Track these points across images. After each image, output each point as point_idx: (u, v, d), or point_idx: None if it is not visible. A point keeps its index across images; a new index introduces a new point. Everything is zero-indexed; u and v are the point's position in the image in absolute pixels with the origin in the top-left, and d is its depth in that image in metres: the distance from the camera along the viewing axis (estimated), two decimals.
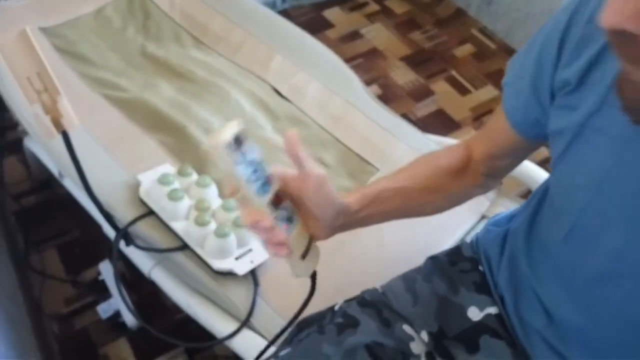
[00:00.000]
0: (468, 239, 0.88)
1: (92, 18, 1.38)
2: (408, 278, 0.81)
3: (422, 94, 1.95)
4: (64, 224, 1.49)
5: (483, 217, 1.09)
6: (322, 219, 0.62)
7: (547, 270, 0.67)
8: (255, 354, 0.85)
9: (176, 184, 1.01)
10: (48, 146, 1.11)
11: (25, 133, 1.33)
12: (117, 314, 1.24)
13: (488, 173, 0.75)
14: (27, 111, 1.13)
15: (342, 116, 1.24)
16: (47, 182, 1.52)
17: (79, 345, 1.31)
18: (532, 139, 0.67)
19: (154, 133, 1.15)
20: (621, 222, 0.54)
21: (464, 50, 2.13)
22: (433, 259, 0.84)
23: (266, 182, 0.57)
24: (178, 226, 0.98)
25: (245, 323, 0.91)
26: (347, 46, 2.10)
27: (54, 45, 1.30)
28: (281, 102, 1.26)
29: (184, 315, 1.00)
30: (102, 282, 1.26)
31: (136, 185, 1.03)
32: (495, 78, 2.02)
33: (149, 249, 1.01)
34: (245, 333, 0.91)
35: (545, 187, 0.71)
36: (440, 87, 1.99)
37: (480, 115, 1.89)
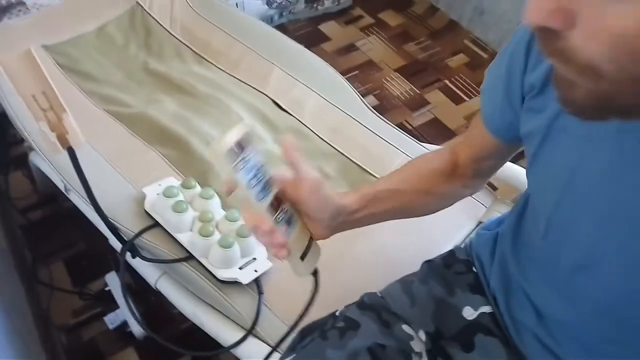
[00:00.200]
0: (462, 244, 0.91)
1: (95, 36, 1.41)
2: (405, 282, 0.84)
3: (417, 103, 1.99)
4: (70, 236, 1.52)
5: (480, 223, 1.12)
6: (321, 220, 0.65)
7: (532, 268, 0.70)
8: None
9: (180, 197, 1.03)
10: (54, 161, 1.14)
11: (30, 149, 1.35)
12: (124, 324, 1.26)
13: (474, 174, 0.78)
14: (32, 128, 1.16)
15: (340, 127, 1.27)
16: (52, 196, 1.55)
17: (87, 356, 1.33)
18: (509, 141, 0.70)
19: (158, 147, 1.18)
20: (589, 216, 0.56)
21: (458, 60, 2.17)
22: (429, 263, 0.86)
23: (266, 186, 0.59)
24: (183, 237, 1.00)
25: (251, 331, 0.93)
26: (344, 59, 2.14)
27: (57, 62, 1.33)
28: (281, 114, 1.29)
29: (190, 324, 1.01)
30: (109, 293, 1.28)
31: (141, 198, 1.06)
32: None
33: (154, 260, 1.03)
34: (251, 341, 0.93)
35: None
36: (435, 96, 2.02)
37: None
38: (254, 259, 0.99)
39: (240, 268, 0.97)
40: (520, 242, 0.73)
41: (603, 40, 0.35)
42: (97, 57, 1.37)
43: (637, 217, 0.51)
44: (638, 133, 0.49)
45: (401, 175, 0.78)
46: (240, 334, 0.93)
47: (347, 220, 0.69)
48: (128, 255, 1.03)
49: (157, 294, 1.06)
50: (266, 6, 2.14)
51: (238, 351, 0.93)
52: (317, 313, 0.75)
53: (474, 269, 0.83)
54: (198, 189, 1.07)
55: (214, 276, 0.97)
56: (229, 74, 1.37)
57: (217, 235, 0.98)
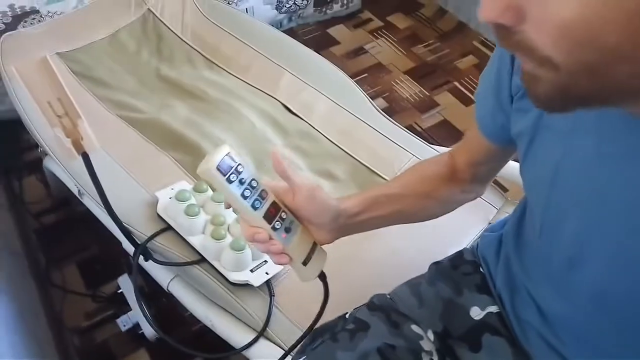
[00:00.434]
0: (469, 245, 0.92)
1: (107, 43, 1.43)
2: (413, 283, 0.85)
3: (427, 105, 1.99)
4: (83, 240, 1.53)
5: (490, 224, 1.12)
6: (322, 224, 0.67)
7: (533, 267, 0.71)
8: None
9: (192, 200, 1.04)
10: (68, 166, 1.16)
11: (44, 154, 1.37)
12: (137, 326, 1.27)
13: (472, 179, 0.79)
14: (47, 133, 1.17)
15: (350, 130, 1.28)
16: (66, 201, 1.57)
17: (100, 358, 1.34)
18: (503, 144, 0.71)
19: (170, 151, 1.19)
20: (575, 211, 0.57)
21: (467, 62, 2.17)
22: (437, 265, 0.87)
23: (260, 196, 0.62)
24: (195, 240, 1.02)
25: (262, 333, 0.94)
26: (353, 62, 2.14)
27: (71, 69, 1.35)
28: (291, 118, 1.30)
29: (202, 326, 1.02)
30: (122, 295, 1.29)
31: (154, 202, 1.07)
32: None
33: (167, 263, 1.04)
34: (262, 343, 0.94)
35: None
36: (445, 98, 2.02)
37: None
38: (265, 261, 1.00)
39: (252, 270, 0.98)
40: (521, 242, 0.73)
41: (550, 32, 0.37)
42: (110, 64, 1.39)
43: (621, 208, 0.52)
44: (613, 127, 0.50)
45: (402, 180, 0.79)
46: (251, 336, 0.94)
47: (348, 223, 0.70)
48: (141, 258, 1.04)
49: (169, 297, 1.07)
50: (275, 11, 2.16)
51: (249, 353, 0.94)
52: (327, 315, 0.76)
53: (481, 269, 0.83)
54: (210, 192, 1.08)
55: (226, 279, 0.98)
56: (239, 78, 1.38)
57: (229, 238, 0.99)
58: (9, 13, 1.58)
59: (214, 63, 1.42)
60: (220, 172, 0.59)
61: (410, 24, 2.34)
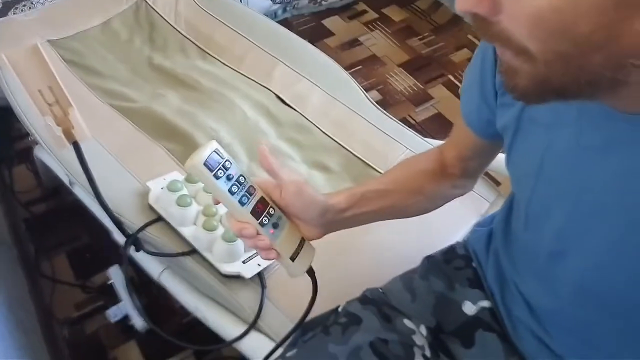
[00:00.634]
0: (462, 239, 0.92)
1: (100, 30, 1.42)
2: (405, 277, 0.84)
3: (421, 98, 1.99)
4: (73, 230, 1.52)
5: (482, 217, 1.12)
6: (309, 220, 0.67)
7: (520, 261, 0.71)
8: (263, 355, 0.87)
9: (184, 191, 1.04)
10: (58, 155, 1.14)
11: (35, 143, 1.36)
12: (126, 318, 1.26)
13: (462, 174, 0.80)
14: (37, 122, 1.16)
15: (344, 122, 1.27)
16: (56, 190, 1.55)
17: (89, 349, 1.33)
18: (489, 138, 0.72)
19: (162, 141, 1.18)
20: (559, 202, 0.58)
21: (461, 55, 2.16)
22: (429, 258, 0.87)
23: (248, 192, 0.62)
24: (186, 231, 1.01)
25: (253, 325, 0.94)
26: (347, 53, 2.13)
27: (63, 57, 1.33)
28: (285, 109, 1.29)
29: (192, 317, 1.02)
30: (112, 286, 1.28)
31: (145, 192, 1.06)
32: None
33: (158, 254, 1.04)
34: (253, 335, 0.94)
35: None
36: (439, 91, 2.02)
37: None
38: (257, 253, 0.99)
39: (244, 262, 0.98)
40: (509, 236, 0.74)
41: (525, 22, 0.38)
42: (102, 52, 1.37)
43: (603, 200, 0.52)
44: (593, 119, 0.51)
45: (391, 176, 0.79)
46: (242, 328, 0.94)
47: (336, 219, 0.70)
48: (132, 249, 1.03)
49: (159, 288, 1.07)
50: (270, 1, 2.14)
51: (240, 345, 0.94)
52: (319, 307, 0.76)
53: (473, 264, 0.83)
54: (201, 182, 1.07)
55: (217, 270, 0.97)
56: (232, 69, 1.37)
57: (220, 229, 0.99)
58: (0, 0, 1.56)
59: (207, 53, 1.41)
60: (208, 167, 0.59)
61: (405, 16, 2.33)
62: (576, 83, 0.40)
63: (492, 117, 0.66)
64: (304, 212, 0.66)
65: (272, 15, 2.20)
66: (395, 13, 2.34)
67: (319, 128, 1.25)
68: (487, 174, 0.96)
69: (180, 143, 1.17)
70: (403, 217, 0.80)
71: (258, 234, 0.63)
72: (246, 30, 1.45)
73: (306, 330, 0.80)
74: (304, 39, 1.47)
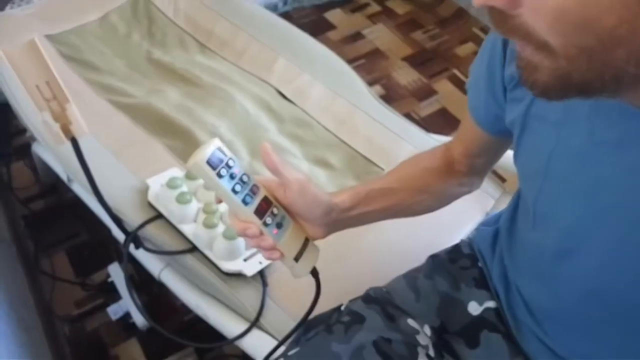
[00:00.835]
0: (467, 238, 0.91)
1: (98, 25, 1.40)
2: (410, 276, 0.83)
3: (425, 93, 1.97)
4: (72, 227, 1.51)
5: (488, 215, 1.11)
6: (313, 219, 0.66)
7: (522, 261, 0.70)
8: (265, 353, 0.86)
9: (184, 188, 1.02)
10: (57, 152, 1.13)
11: (33, 139, 1.35)
12: (127, 315, 1.25)
13: (468, 171, 0.79)
14: (35, 118, 1.14)
15: (346, 117, 1.25)
16: (54, 187, 1.54)
17: (90, 347, 1.33)
18: (497, 134, 0.71)
19: (161, 137, 1.16)
20: (568, 200, 0.57)
21: (466, 49, 2.14)
22: (434, 258, 0.86)
23: (251, 192, 0.61)
24: (187, 229, 1.00)
25: (255, 323, 0.93)
26: (349, 47, 2.11)
27: (60, 52, 1.31)
28: (285, 104, 1.27)
29: (193, 315, 1.01)
30: (112, 284, 1.27)
31: (145, 190, 1.05)
32: None
33: (158, 251, 1.02)
34: (255, 333, 0.93)
35: None
36: (443, 86, 2.00)
37: None
38: None
39: (245, 260, 0.97)
40: (513, 237, 0.73)
41: (546, 16, 0.37)
42: (100, 47, 1.36)
43: (617, 198, 0.52)
44: (607, 115, 0.50)
45: (396, 174, 0.78)
46: (244, 326, 0.93)
47: (340, 218, 0.69)
48: (131, 246, 1.02)
49: (160, 285, 1.06)
50: None
51: (242, 343, 0.93)
52: (322, 305, 0.75)
53: (479, 263, 0.82)
54: (202, 180, 1.05)
55: (218, 268, 0.96)
56: (233, 63, 1.36)
57: (221, 227, 0.97)
58: None
59: (207, 47, 1.39)
60: (211, 166, 0.58)
61: (409, 9, 2.30)
62: (600, 79, 0.39)
63: (500, 113, 0.65)
64: (308, 211, 0.65)
65: (273, 8, 2.18)
66: (399, 6, 2.31)
67: (321, 124, 1.24)
68: (492, 171, 0.94)
69: (179, 139, 1.15)
70: (408, 216, 0.79)
71: (261, 233, 0.62)
72: (246, 24, 1.43)
73: (309, 328, 0.79)
74: (305, 32, 1.45)
